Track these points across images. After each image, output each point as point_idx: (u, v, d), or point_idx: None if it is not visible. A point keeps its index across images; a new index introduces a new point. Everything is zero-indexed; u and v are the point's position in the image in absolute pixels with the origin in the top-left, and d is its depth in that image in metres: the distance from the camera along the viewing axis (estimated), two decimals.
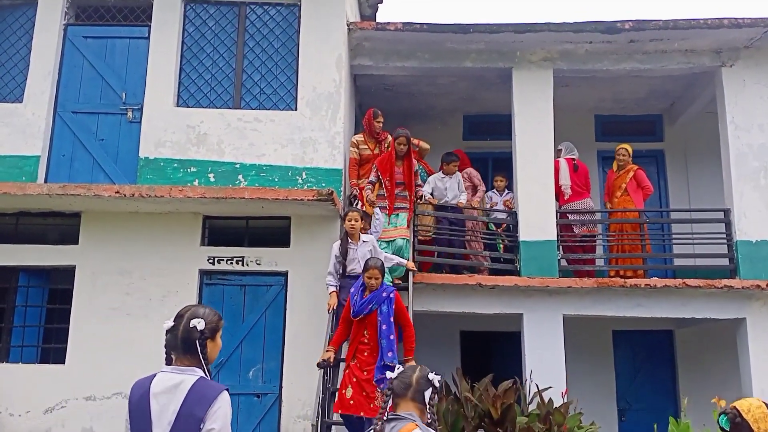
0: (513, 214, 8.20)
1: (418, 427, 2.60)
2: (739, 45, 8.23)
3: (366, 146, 7.70)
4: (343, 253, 6.50)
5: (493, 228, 8.47)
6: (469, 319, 8.59)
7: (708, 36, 8.05)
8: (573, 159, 8.65)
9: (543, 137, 8.28)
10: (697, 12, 32.50)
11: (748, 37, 8.07)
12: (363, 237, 6.55)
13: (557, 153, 8.60)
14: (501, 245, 8.37)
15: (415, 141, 7.98)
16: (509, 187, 8.89)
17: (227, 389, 2.56)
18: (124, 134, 7.71)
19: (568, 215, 8.36)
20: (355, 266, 6.40)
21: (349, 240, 6.49)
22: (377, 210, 7.00)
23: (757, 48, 8.25)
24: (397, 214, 7.22)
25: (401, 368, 2.87)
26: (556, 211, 8.19)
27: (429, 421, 2.69)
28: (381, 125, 7.77)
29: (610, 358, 9.53)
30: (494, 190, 8.91)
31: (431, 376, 2.79)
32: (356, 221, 6.48)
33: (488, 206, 8.67)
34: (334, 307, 6.34)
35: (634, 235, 8.29)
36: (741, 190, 8.01)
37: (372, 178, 7.26)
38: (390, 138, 7.70)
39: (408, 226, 7.23)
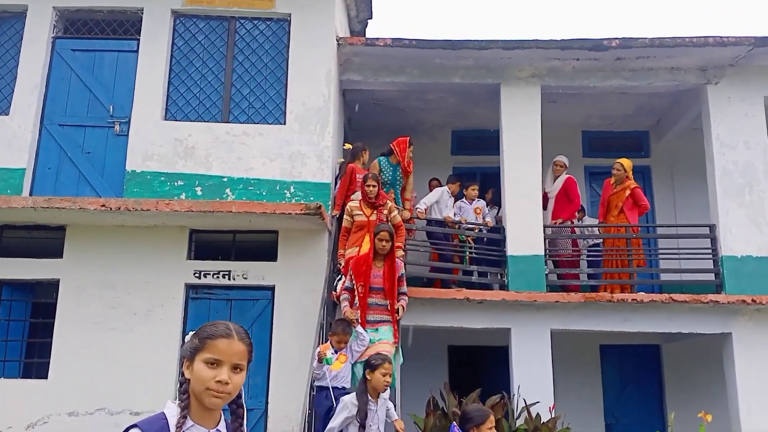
0: (501, 229, 8.23)
1: None
2: (724, 63, 8.34)
3: (361, 212, 6.75)
4: (362, 414, 4.88)
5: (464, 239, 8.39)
6: (456, 333, 8.57)
7: (693, 54, 8.14)
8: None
9: (531, 153, 8.32)
10: (683, 30, 32.98)
11: (733, 55, 8.17)
12: (382, 395, 5.06)
13: (561, 169, 8.64)
14: (467, 256, 8.27)
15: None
16: (488, 198, 8.97)
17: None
18: (110, 147, 7.67)
19: (570, 231, 8.48)
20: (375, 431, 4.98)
21: (369, 397, 4.95)
22: (359, 328, 5.81)
23: (742, 66, 8.36)
24: (377, 329, 5.92)
25: None
26: (544, 226, 8.24)
27: None
28: (375, 190, 6.79)
29: (598, 372, 9.53)
30: (464, 200, 8.68)
31: None
32: (390, 375, 5.05)
33: (457, 216, 8.53)
34: None
35: (622, 251, 8.33)
36: (726, 206, 8.08)
37: (347, 283, 6.09)
38: (390, 204, 6.93)
39: (395, 341, 5.98)
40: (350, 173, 7.45)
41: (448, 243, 8.28)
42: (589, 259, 8.91)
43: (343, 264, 6.67)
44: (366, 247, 6.42)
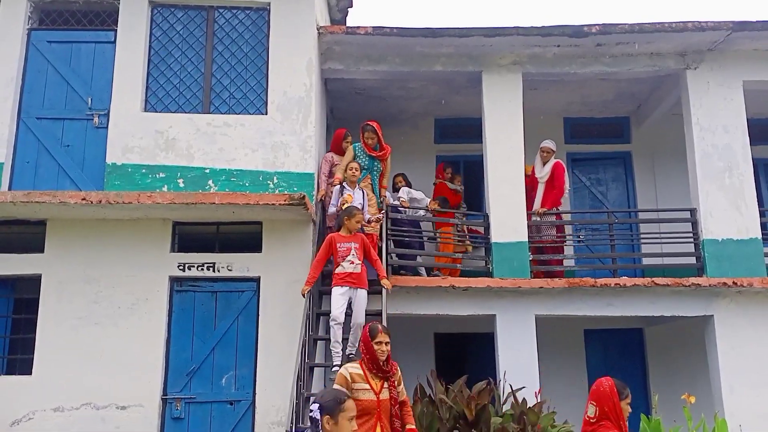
0: (485, 217, 8.28)
1: None
2: (703, 48, 8.39)
3: (367, 386, 4.50)
4: None
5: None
6: (442, 321, 8.61)
7: (672, 39, 8.19)
8: None
9: (513, 140, 8.34)
10: (663, 16, 33.20)
11: (711, 40, 8.23)
12: None
13: (547, 154, 8.64)
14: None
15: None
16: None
17: None
18: (90, 140, 7.57)
19: (546, 217, 8.48)
20: None
21: None
22: None
23: (721, 50, 8.42)
24: None
25: None
26: (528, 213, 8.27)
27: None
28: (387, 348, 4.63)
29: (582, 356, 9.63)
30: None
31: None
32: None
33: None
34: None
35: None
36: (706, 189, 8.16)
37: None
38: (398, 374, 4.72)
39: None
40: (329, 243, 6.62)
41: (411, 230, 8.31)
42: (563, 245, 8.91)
43: None
44: None
